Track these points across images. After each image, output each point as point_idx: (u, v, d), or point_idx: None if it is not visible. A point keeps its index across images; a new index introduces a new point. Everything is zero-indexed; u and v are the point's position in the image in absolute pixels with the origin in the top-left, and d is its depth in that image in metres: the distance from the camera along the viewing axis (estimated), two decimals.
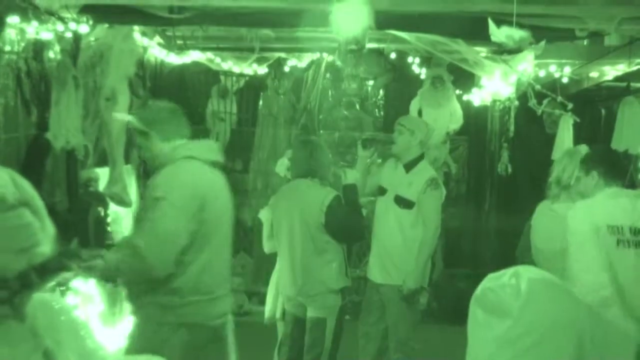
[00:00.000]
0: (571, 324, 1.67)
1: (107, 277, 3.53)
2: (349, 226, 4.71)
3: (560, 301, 1.70)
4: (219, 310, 3.76)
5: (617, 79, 6.52)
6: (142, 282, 3.52)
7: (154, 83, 8.08)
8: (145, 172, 8.43)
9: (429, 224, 5.15)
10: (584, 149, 4.41)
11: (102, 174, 6.19)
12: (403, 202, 5.19)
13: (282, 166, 5.47)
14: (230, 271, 3.89)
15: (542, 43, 4.37)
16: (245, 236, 9.74)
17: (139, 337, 3.59)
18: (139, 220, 3.58)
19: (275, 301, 5.42)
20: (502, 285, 1.74)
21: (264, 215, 5.31)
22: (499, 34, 4.29)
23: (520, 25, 4.67)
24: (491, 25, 4.71)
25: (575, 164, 4.28)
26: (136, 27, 6.27)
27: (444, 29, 5.63)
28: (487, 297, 1.75)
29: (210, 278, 3.62)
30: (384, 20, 4.89)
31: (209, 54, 8.06)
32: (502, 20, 4.72)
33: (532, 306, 1.67)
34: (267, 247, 5.22)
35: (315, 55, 8.40)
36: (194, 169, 3.59)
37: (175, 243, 3.39)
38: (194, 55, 7.96)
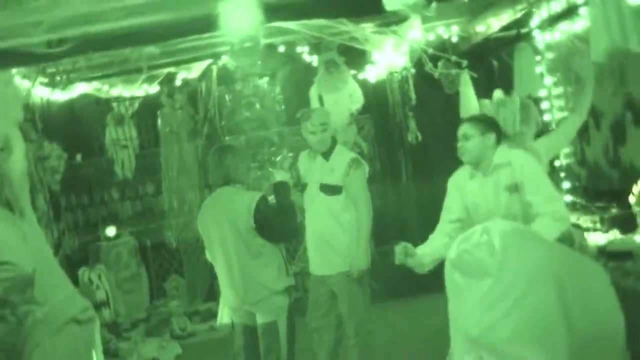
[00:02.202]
0: (549, 269, 1.66)
1: None
2: (280, 225, 4.63)
3: (535, 250, 1.68)
4: None
5: (503, 28, 6.65)
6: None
7: (44, 124, 7.79)
8: (55, 215, 8.16)
9: (360, 203, 5.16)
10: (514, 97, 4.62)
11: None
12: (329, 189, 5.17)
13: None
14: None
15: (434, 4, 4.38)
16: (173, 258, 9.54)
17: None
18: None
19: (224, 310, 5.30)
20: (475, 244, 1.71)
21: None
22: (393, 1, 4.27)
23: None
24: None
25: (514, 112, 4.45)
26: (14, 70, 6.00)
27: (328, 11, 5.57)
28: (463, 259, 1.71)
29: None
30: (269, 13, 4.81)
31: (95, 83, 7.84)
32: None
33: (509, 260, 1.65)
34: (209, 256, 5.09)
35: (204, 64, 8.27)
36: None
37: None
38: (80, 88, 7.71)
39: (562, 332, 1.67)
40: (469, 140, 4.16)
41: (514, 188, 4.01)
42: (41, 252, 3.78)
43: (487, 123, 4.26)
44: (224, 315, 5.28)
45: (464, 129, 4.23)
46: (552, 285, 1.71)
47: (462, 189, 4.29)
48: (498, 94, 5.04)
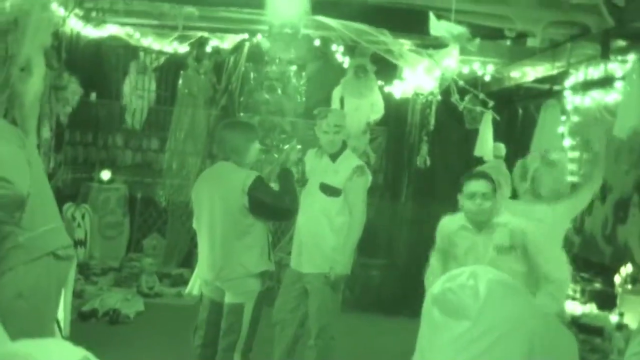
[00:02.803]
0: (525, 325, 1.68)
1: None
2: (274, 205, 4.63)
3: (516, 303, 1.71)
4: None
5: (537, 80, 6.67)
6: None
7: (69, 55, 7.78)
8: (57, 146, 8.17)
9: (356, 210, 5.19)
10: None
11: None
12: (329, 190, 5.19)
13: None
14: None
15: (477, 40, 4.41)
16: (159, 217, 9.56)
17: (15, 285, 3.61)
18: None
19: (196, 280, 5.32)
20: (460, 286, 1.73)
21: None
22: (439, 27, 4.30)
23: (458, 22, 4.71)
24: (432, 18, 4.73)
25: (564, 173, 4.47)
26: None
27: (372, 18, 5.60)
28: (446, 298, 1.73)
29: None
30: (317, 6, 4.84)
31: (128, 29, 7.82)
32: (439, 15, 4.75)
33: (490, 308, 1.67)
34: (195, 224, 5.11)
35: (238, 37, 8.26)
36: None
37: None
38: (111, 30, 7.70)
39: None
40: (489, 200, 4.04)
41: (505, 251, 3.99)
42: (39, 179, 3.80)
43: (494, 181, 4.22)
44: (195, 287, 5.31)
45: (483, 187, 4.08)
46: (524, 341, 1.74)
47: (451, 238, 4.26)
48: (557, 154, 5.07)
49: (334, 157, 5.28)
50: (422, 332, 1.83)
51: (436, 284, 1.82)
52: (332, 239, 5.19)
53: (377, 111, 8.37)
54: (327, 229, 5.20)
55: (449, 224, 4.32)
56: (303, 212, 5.30)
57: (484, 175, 4.25)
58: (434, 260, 4.38)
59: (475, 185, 4.06)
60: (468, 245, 4.11)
